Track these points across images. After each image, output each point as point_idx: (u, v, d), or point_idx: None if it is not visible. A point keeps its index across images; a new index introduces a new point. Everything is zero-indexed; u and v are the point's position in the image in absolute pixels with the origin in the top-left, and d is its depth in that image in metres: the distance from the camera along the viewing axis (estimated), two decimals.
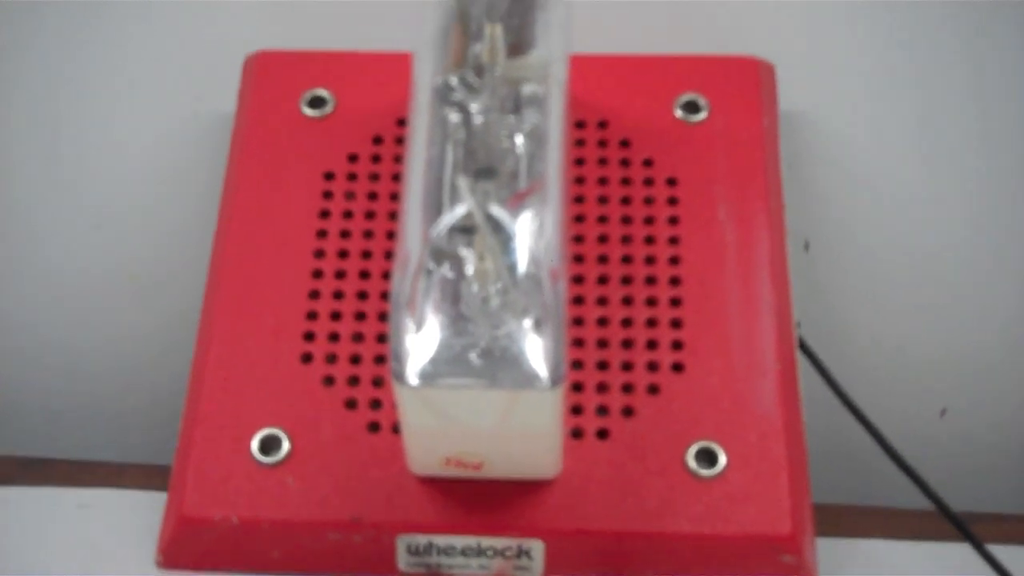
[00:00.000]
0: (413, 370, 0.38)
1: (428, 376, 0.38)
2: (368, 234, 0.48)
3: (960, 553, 0.45)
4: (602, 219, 0.48)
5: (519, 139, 0.41)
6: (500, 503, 0.43)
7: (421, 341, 0.38)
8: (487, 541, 0.43)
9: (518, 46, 0.42)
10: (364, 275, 0.47)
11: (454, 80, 0.41)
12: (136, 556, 0.45)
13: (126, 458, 0.50)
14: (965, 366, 0.56)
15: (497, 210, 0.39)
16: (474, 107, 0.41)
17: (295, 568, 0.44)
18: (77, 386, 0.57)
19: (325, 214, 0.48)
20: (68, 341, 0.56)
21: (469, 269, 0.38)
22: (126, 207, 0.55)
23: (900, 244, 0.55)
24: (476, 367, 0.38)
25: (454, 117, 0.41)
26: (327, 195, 0.49)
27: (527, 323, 0.38)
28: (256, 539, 0.44)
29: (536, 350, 0.38)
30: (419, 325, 0.38)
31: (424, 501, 0.43)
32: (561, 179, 0.41)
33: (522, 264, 0.38)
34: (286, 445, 0.44)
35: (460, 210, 0.38)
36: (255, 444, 0.44)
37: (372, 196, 0.49)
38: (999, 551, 0.44)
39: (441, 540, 0.43)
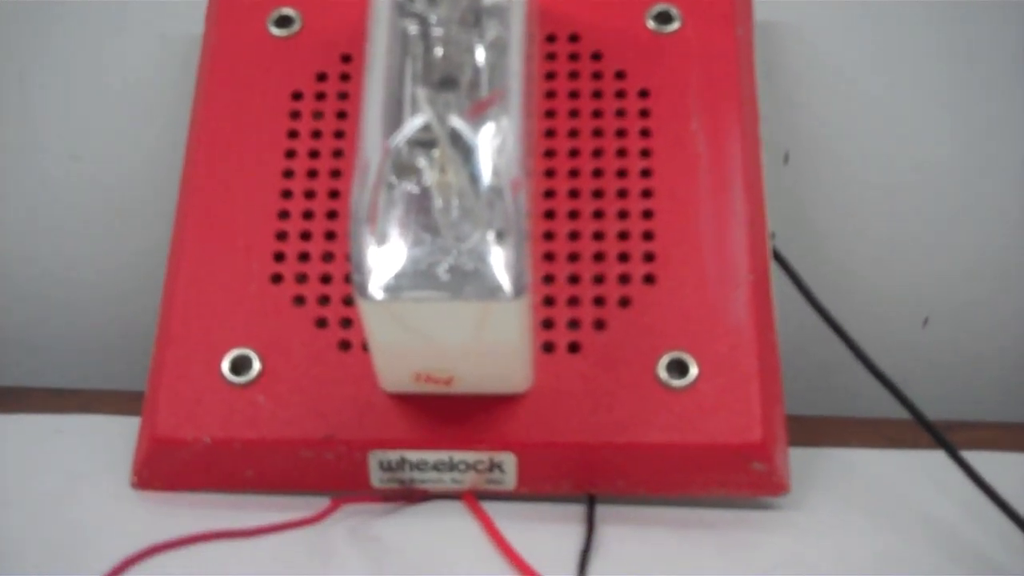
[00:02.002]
0: (376, 284, 0.38)
1: (392, 290, 0.38)
2: (337, 153, 0.47)
3: (936, 460, 0.45)
4: (573, 133, 0.48)
5: (480, 50, 0.40)
6: (472, 417, 0.43)
7: (384, 255, 0.38)
8: (459, 455, 0.43)
9: None
10: (333, 194, 0.47)
11: None
12: (112, 479, 0.45)
13: (103, 386, 0.50)
14: (948, 276, 0.56)
15: (457, 121, 0.38)
16: (433, 18, 0.40)
17: (269, 486, 0.45)
18: (54, 316, 0.57)
19: (294, 134, 0.48)
20: (43, 271, 0.57)
21: (430, 181, 0.38)
22: (97, 133, 0.55)
23: (881, 154, 0.54)
24: (440, 280, 0.38)
25: (413, 29, 0.40)
26: (295, 115, 0.48)
27: (490, 235, 0.38)
28: (229, 458, 0.44)
29: (499, 261, 0.38)
30: (382, 239, 0.38)
31: (395, 417, 0.43)
32: (523, 90, 0.40)
33: (484, 176, 0.38)
34: (257, 365, 0.44)
35: (419, 121, 0.38)
36: (226, 364, 0.44)
37: (341, 115, 0.48)
38: (975, 457, 0.44)
39: (413, 455, 0.43)
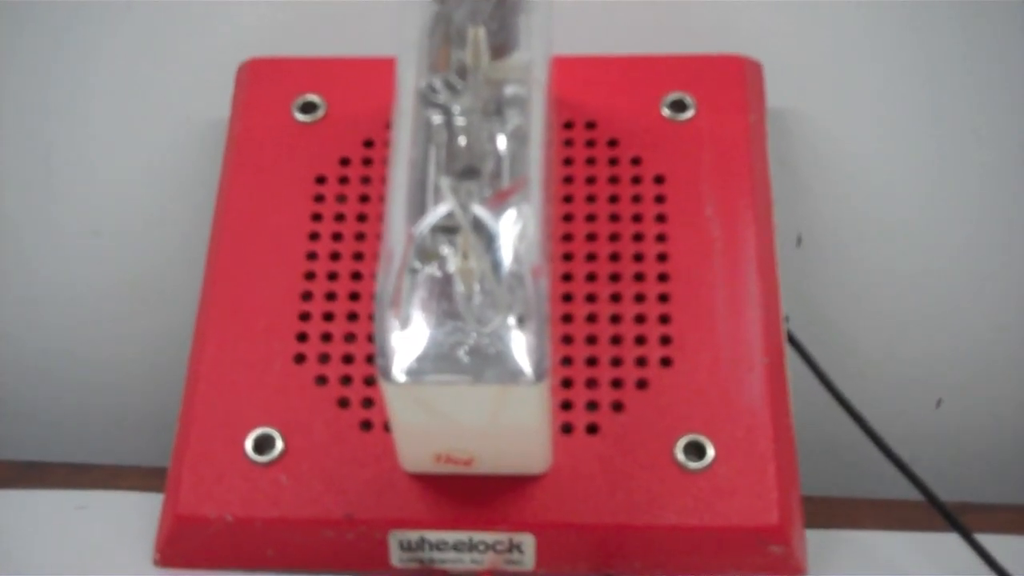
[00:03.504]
0: (399, 367, 0.38)
1: (414, 373, 0.38)
2: (360, 236, 0.48)
3: (950, 543, 0.45)
4: (590, 217, 0.49)
5: (501, 140, 0.41)
6: (491, 498, 0.44)
7: (407, 338, 0.39)
8: (478, 536, 0.44)
9: (500, 48, 0.42)
10: (356, 276, 0.48)
11: (437, 82, 0.42)
12: (134, 556, 0.45)
13: (124, 462, 0.51)
14: (961, 358, 0.56)
15: (479, 210, 0.39)
16: (456, 108, 0.41)
17: (290, 565, 0.45)
18: (75, 391, 0.57)
19: (317, 217, 0.49)
20: (66, 347, 0.57)
21: (453, 268, 0.39)
22: (122, 214, 0.56)
23: (892, 237, 0.55)
24: (461, 363, 0.38)
25: (437, 119, 0.41)
26: (319, 198, 0.49)
27: (511, 320, 0.39)
28: (251, 537, 0.44)
29: (520, 346, 0.38)
30: (404, 323, 0.39)
31: (416, 497, 0.44)
32: (543, 178, 0.41)
33: (505, 262, 0.39)
34: (279, 444, 0.45)
35: (443, 209, 0.39)
36: (249, 443, 0.45)
37: (363, 199, 0.49)
38: (989, 541, 0.45)
39: (433, 535, 0.44)
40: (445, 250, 0.39)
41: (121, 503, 0.48)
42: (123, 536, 0.46)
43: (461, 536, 0.44)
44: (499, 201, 0.40)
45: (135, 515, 0.47)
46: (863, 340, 0.56)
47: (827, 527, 0.47)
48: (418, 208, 0.40)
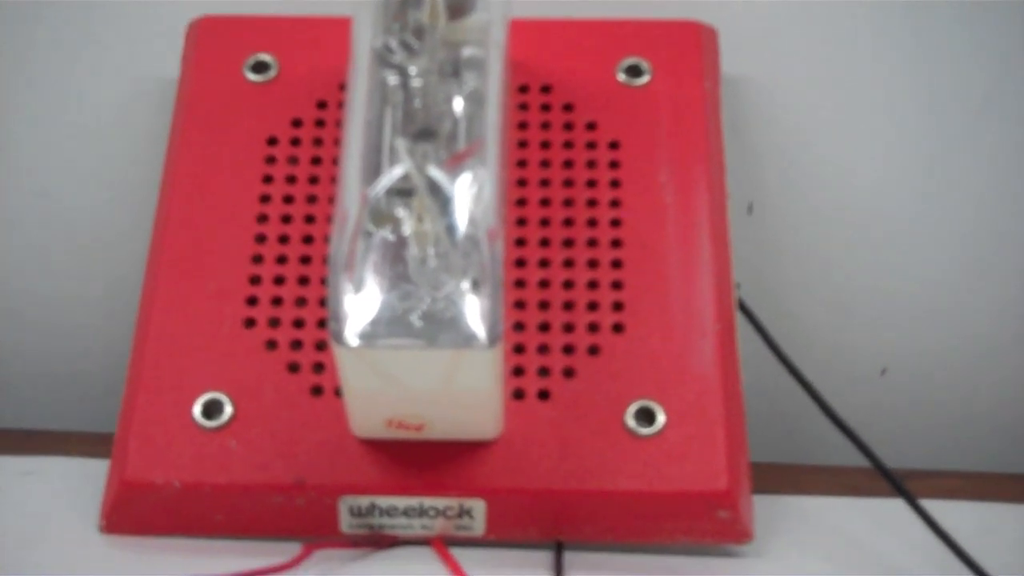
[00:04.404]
0: (352, 331, 0.38)
1: (367, 337, 0.38)
2: (311, 199, 0.48)
3: (895, 509, 0.46)
4: (545, 182, 0.48)
5: (458, 102, 0.41)
6: (442, 464, 0.43)
7: (360, 302, 0.38)
8: (429, 501, 0.44)
9: (458, 9, 0.42)
10: (307, 240, 0.47)
11: (393, 43, 0.41)
12: (80, 522, 0.45)
13: (72, 427, 0.50)
14: (906, 326, 0.57)
15: (435, 172, 0.39)
16: (413, 70, 0.41)
17: (239, 531, 0.45)
18: (20, 355, 0.57)
19: (268, 179, 0.48)
20: (12, 309, 0.56)
21: (408, 231, 0.39)
22: (70, 174, 0.55)
23: (842, 207, 0.55)
24: (415, 328, 0.38)
25: (393, 80, 0.41)
26: (270, 160, 0.49)
27: (465, 284, 0.39)
28: (199, 503, 0.44)
29: (474, 310, 0.38)
30: (358, 286, 0.38)
31: (366, 463, 0.43)
32: (500, 141, 0.41)
33: (460, 226, 0.39)
34: (228, 409, 0.44)
35: (398, 171, 0.39)
36: (197, 408, 0.44)
37: (316, 161, 0.49)
38: (933, 506, 0.45)
39: (383, 501, 0.44)
40: (400, 213, 0.39)
41: (68, 469, 0.47)
42: (69, 502, 0.46)
43: (411, 502, 0.44)
44: (455, 164, 0.40)
45: (82, 481, 0.46)
46: (812, 308, 0.56)
47: (775, 493, 0.47)
48: (373, 170, 0.39)
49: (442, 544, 0.44)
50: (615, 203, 0.48)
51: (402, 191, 0.39)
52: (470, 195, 0.39)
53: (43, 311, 0.56)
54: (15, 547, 0.44)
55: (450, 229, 0.39)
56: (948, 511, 0.45)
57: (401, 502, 0.44)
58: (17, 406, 0.57)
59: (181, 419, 0.44)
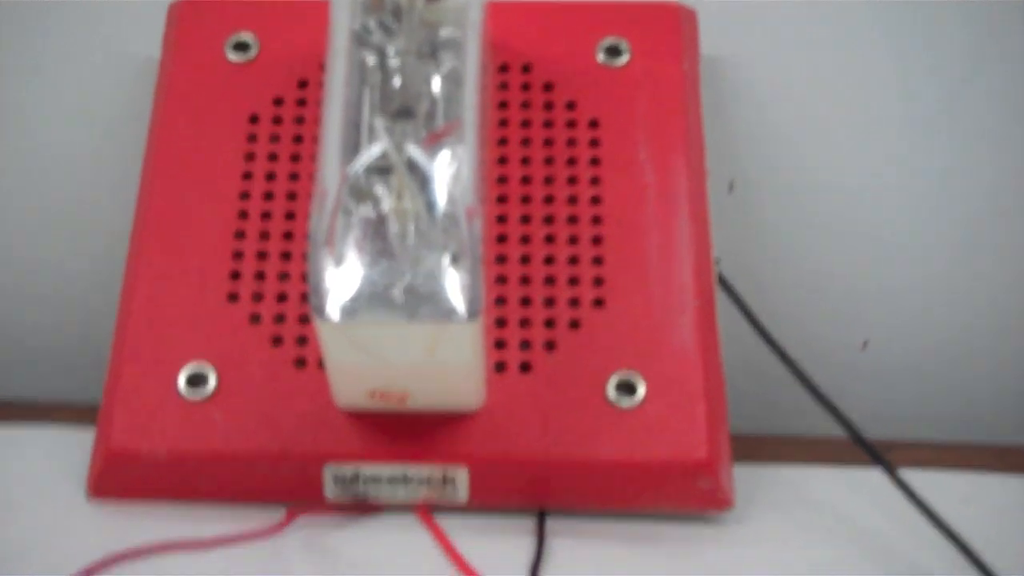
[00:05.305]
0: (334, 306, 0.39)
1: (349, 312, 0.39)
2: (293, 176, 0.48)
3: (874, 478, 0.46)
4: (525, 160, 0.49)
5: (436, 82, 0.42)
6: (425, 433, 0.44)
7: (342, 278, 0.39)
8: (413, 469, 0.44)
9: None
10: (289, 216, 0.48)
11: (371, 23, 0.42)
12: (68, 490, 0.46)
13: (60, 398, 0.51)
14: (886, 300, 0.57)
15: (414, 150, 0.40)
16: (391, 50, 0.42)
17: (225, 497, 0.45)
18: (9, 327, 0.57)
19: (250, 157, 0.49)
20: None
21: (387, 208, 0.39)
22: (52, 150, 0.55)
23: (821, 185, 0.56)
24: (396, 303, 0.39)
25: (371, 60, 0.42)
26: (252, 138, 0.49)
27: (445, 260, 0.39)
28: (184, 471, 0.45)
29: (454, 285, 0.39)
30: (339, 262, 0.39)
31: (351, 433, 0.44)
32: (478, 120, 0.41)
33: (439, 203, 0.39)
34: (212, 381, 0.45)
35: (377, 149, 0.39)
36: (182, 380, 0.45)
37: (297, 139, 0.49)
38: (912, 476, 0.46)
39: (367, 469, 0.44)
40: (379, 190, 0.40)
41: (55, 438, 0.48)
42: (56, 471, 0.46)
43: (395, 470, 0.44)
44: (433, 142, 0.40)
45: (69, 450, 0.47)
46: (792, 284, 0.57)
47: (755, 463, 0.48)
48: (352, 148, 0.40)
49: (427, 511, 0.45)
50: (595, 180, 0.48)
51: (381, 169, 0.40)
52: (449, 173, 0.40)
53: (30, 284, 0.57)
54: (3, 513, 0.45)
55: (429, 206, 0.39)
56: (927, 481, 0.46)
57: (385, 470, 0.44)
58: (3, 377, 0.57)
59: (165, 390, 0.45)
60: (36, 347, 0.58)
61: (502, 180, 0.49)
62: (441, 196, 0.39)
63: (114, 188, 0.54)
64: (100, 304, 0.50)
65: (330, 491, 0.45)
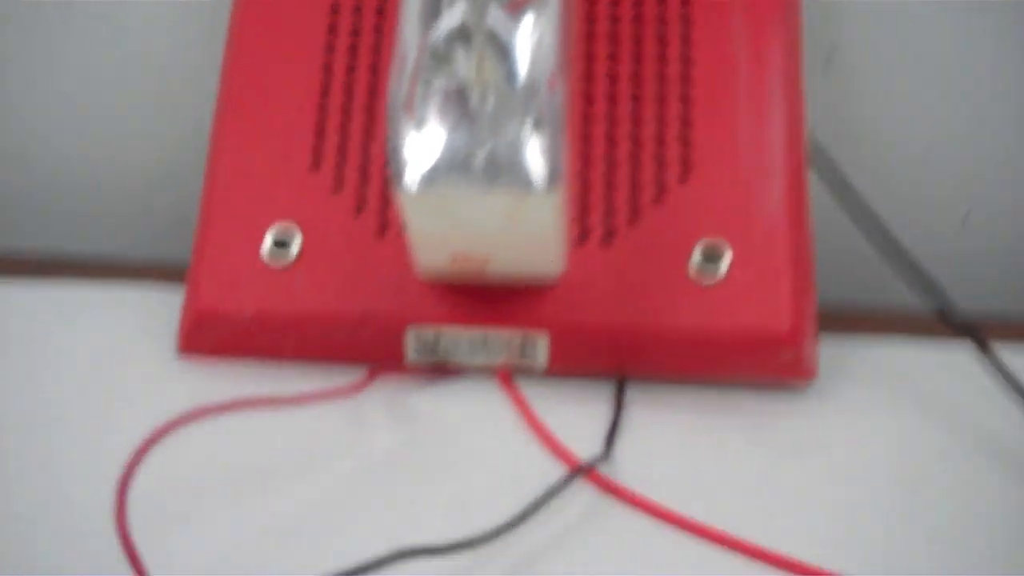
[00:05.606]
0: (413, 175, 0.39)
1: (427, 181, 0.39)
2: (376, 49, 0.48)
3: (964, 352, 0.45)
4: (613, 38, 0.48)
5: None
6: (505, 300, 0.45)
7: (421, 147, 0.39)
8: (493, 333, 0.45)
9: None
10: (372, 89, 0.48)
11: None
12: (158, 346, 0.47)
13: (149, 260, 0.52)
14: (989, 173, 0.56)
15: (495, 16, 0.39)
16: None
17: (308, 357, 0.46)
18: (98, 193, 0.59)
19: (333, 29, 0.49)
20: (91, 150, 0.58)
21: (467, 76, 0.39)
22: (143, 21, 0.56)
23: (923, 53, 0.54)
24: (475, 172, 0.39)
25: None
26: (335, 9, 0.49)
27: (526, 129, 0.39)
28: (268, 332, 0.46)
29: (534, 155, 0.39)
30: (419, 127, 0.39)
31: (432, 297, 0.45)
32: None
33: (520, 71, 0.39)
34: (296, 246, 0.46)
35: (457, 15, 0.39)
36: (267, 241, 0.46)
37: (380, 11, 0.49)
38: (1004, 350, 0.45)
39: (449, 332, 0.45)
40: (460, 57, 0.39)
41: (147, 296, 0.49)
42: (148, 327, 0.48)
43: (476, 334, 0.45)
44: (515, 8, 0.40)
45: (161, 307, 0.48)
46: (891, 155, 0.56)
47: (843, 334, 0.47)
48: (433, 14, 0.40)
49: (507, 375, 0.45)
50: (686, 45, 0.47)
51: (462, 36, 0.39)
52: (530, 41, 0.39)
53: (124, 151, 0.58)
54: (92, 370, 0.46)
55: (510, 75, 0.39)
56: (1019, 356, 0.45)
57: (466, 334, 0.45)
58: (96, 239, 0.59)
59: (250, 254, 0.46)
60: (130, 210, 0.59)
61: (588, 58, 0.47)
62: (522, 65, 0.39)
63: (203, 53, 0.54)
64: (191, 169, 0.51)
65: (411, 354, 0.46)
